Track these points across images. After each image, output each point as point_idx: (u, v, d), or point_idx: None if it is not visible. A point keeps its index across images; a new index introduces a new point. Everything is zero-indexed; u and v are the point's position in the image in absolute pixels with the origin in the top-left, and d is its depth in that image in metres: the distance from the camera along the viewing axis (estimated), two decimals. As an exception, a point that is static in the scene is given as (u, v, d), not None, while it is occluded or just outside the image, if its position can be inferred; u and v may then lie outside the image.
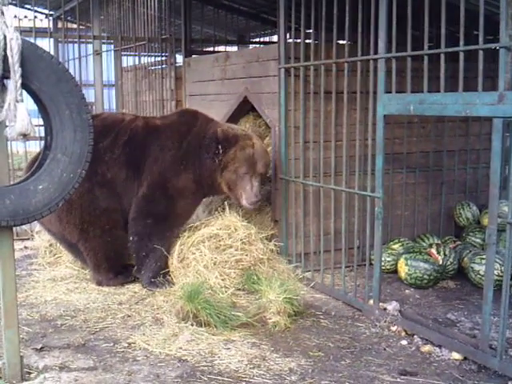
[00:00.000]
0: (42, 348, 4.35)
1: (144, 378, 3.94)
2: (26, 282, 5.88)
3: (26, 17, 12.25)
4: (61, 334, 4.67)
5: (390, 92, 4.70)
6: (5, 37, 3.44)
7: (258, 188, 5.80)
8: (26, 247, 7.20)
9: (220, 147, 5.72)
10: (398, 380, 3.95)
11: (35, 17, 8.26)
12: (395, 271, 6.01)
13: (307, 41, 5.85)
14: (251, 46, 10.86)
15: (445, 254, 5.88)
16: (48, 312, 5.13)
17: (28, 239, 7.28)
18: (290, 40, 6.02)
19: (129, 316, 5.02)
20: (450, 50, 4.22)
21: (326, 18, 5.43)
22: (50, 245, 6.59)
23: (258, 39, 11.64)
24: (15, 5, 9.88)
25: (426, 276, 5.68)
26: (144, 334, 4.60)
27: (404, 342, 4.54)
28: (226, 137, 5.75)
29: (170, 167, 5.71)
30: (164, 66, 8.90)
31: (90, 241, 5.72)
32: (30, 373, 3.94)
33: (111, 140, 5.73)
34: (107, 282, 5.78)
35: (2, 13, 3.50)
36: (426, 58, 4.40)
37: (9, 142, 4.26)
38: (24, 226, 6.37)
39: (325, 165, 5.70)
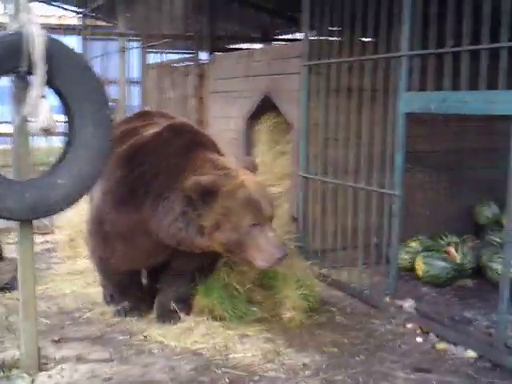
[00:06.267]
0: (59, 339, 4.41)
1: (159, 370, 3.99)
2: (45, 275, 5.94)
3: (54, 15, 12.43)
4: (78, 326, 4.73)
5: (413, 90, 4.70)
6: (29, 33, 3.50)
7: (278, 237, 4.24)
8: (46, 241, 7.27)
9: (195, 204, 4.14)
10: (412, 376, 3.95)
11: (63, 13, 8.40)
12: (412, 269, 5.97)
13: (330, 38, 5.84)
14: (275, 43, 10.85)
15: (463, 253, 5.86)
16: (66, 305, 5.20)
17: (49, 233, 7.35)
18: (314, 38, 6.02)
19: (145, 310, 5.08)
20: (472, 47, 4.22)
21: (350, 15, 5.43)
22: (71, 239, 6.64)
23: (282, 36, 11.63)
24: (44, 2, 10.02)
25: (443, 274, 5.66)
26: (160, 328, 4.64)
27: (419, 340, 4.53)
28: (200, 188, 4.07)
29: None
30: (188, 63, 8.95)
31: None
32: (47, 363, 4.00)
33: None
34: None
35: (27, 10, 3.58)
36: (449, 56, 4.39)
37: (31, 137, 4.31)
38: (45, 221, 6.45)
39: (344, 162, 5.70)
